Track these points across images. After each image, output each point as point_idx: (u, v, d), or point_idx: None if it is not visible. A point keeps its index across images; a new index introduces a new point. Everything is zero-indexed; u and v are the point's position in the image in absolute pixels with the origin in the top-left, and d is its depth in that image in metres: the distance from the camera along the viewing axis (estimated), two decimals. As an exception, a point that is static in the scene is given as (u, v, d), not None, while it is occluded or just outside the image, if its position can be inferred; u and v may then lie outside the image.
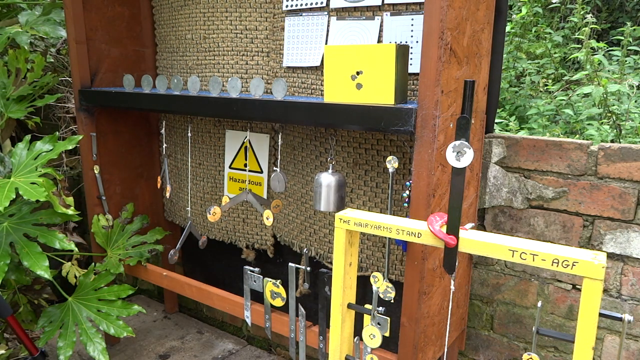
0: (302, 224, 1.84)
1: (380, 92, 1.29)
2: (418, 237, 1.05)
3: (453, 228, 1.00)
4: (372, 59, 1.28)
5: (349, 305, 1.22)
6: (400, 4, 1.45)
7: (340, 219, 1.13)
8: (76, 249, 1.83)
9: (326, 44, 1.60)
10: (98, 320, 1.93)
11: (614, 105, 2.01)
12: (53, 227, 1.95)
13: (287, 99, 1.49)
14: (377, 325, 1.21)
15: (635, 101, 2.10)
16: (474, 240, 0.99)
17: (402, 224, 1.07)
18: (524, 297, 1.63)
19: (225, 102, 1.58)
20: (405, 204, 1.46)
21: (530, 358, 1.07)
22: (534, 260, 0.92)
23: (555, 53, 2.69)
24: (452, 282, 1.08)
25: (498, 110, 2.00)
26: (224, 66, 1.89)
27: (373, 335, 1.21)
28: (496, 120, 1.94)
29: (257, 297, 1.74)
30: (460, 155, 0.96)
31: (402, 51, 1.28)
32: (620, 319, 0.96)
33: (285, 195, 1.89)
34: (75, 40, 1.96)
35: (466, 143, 0.95)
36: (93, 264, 2.04)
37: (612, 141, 1.82)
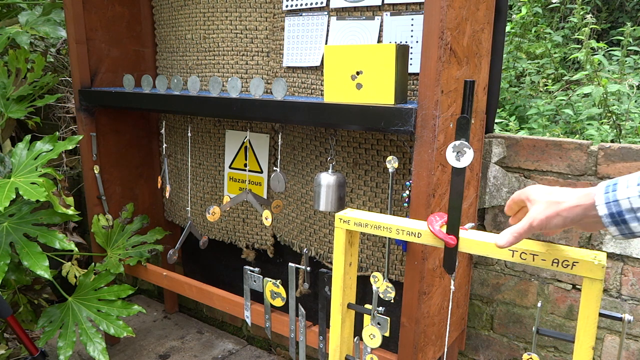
0: (302, 224, 1.84)
1: (380, 92, 1.29)
2: (418, 237, 1.05)
3: (453, 228, 1.00)
4: (372, 59, 1.28)
5: (349, 305, 1.22)
6: (400, 4, 1.45)
7: (340, 219, 1.13)
8: (76, 249, 1.83)
9: (326, 44, 1.60)
10: (98, 320, 1.93)
11: (614, 105, 2.01)
12: (53, 227, 1.95)
13: (287, 99, 1.49)
14: (377, 325, 1.21)
15: (635, 101, 2.10)
16: (474, 240, 0.99)
17: (402, 224, 1.07)
18: (524, 297, 1.63)
19: (225, 102, 1.58)
20: (405, 204, 1.46)
21: (530, 358, 1.07)
22: (533, 260, 0.92)
23: (555, 53, 2.69)
24: (452, 282, 1.08)
25: (498, 110, 2.00)
26: (224, 66, 1.89)
27: (373, 335, 1.21)
28: (496, 120, 1.94)
29: (257, 297, 1.74)
30: (460, 155, 0.96)
31: (402, 51, 1.28)
32: (620, 319, 0.96)
33: (285, 195, 1.89)
34: (75, 40, 1.96)
35: (466, 143, 0.95)
36: (93, 264, 2.04)
37: (612, 141, 1.82)
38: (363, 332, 1.22)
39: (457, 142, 0.96)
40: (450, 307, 1.17)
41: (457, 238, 1.00)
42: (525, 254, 0.93)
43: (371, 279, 1.19)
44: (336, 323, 1.22)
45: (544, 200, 0.84)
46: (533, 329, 1.06)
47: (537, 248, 0.93)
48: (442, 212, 1.07)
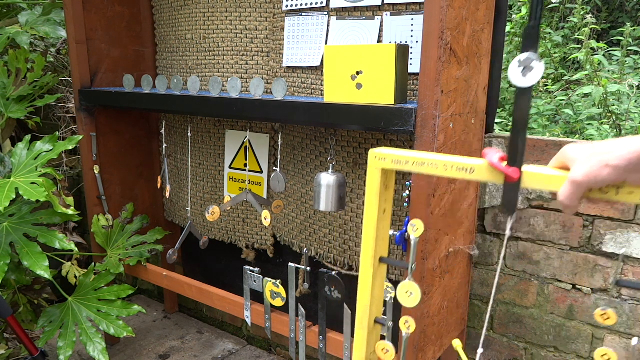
0: (302, 224, 1.84)
1: (380, 92, 1.29)
2: (471, 172, 0.85)
3: (515, 160, 0.81)
4: (372, 59, 1.28)
5: (382, 259, 0.99)
6: (400, 4, 1.45)
7: (375, 157, 0.95)
8: (76, 249, 1.83)
9: (326, 44, 1.61)
10: (98, 320, 1.93)
11: (614, 105, 2.02)
12: (53, 227, 1.95)
13: (287, 99, 1.49)
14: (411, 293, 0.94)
15: (635, 101, 2.10)
16: (539, 174, 0.80)
17: (450, 159, 0.87)
18: (524, 297, 1.63)
19: (225, 102, 1.58)
20: (406, 204, 1.46)
21: (605, 313, 0.88)
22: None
23: (555, 53, 2.69)
24: (509, 224, 0.84)
25: (498, 110, 2.00)
26: (224, 66, 1.89)
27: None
28: (496, 120, 1.94)
29: (257, 297, 1.74)
30: (527, 71, 0.77)
31: (402, 51, 1.28)
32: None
33: (285, 195, 1.89)
34: (75, 40, 1.96)
35: (536, 55, 0.76)
36: (93, 264, 2.04)
37: (612, 141, 1.82)
38: (398, 290, 0.96)
39: (524, 56, 0.76)
40: (500, 269, 1.16)
41: (521, 171, 0.81)
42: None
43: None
44: (366, 279, 0.99)
45: (586, 155, 0.72)
46: (610, 279, 0.89)
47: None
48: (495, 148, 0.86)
